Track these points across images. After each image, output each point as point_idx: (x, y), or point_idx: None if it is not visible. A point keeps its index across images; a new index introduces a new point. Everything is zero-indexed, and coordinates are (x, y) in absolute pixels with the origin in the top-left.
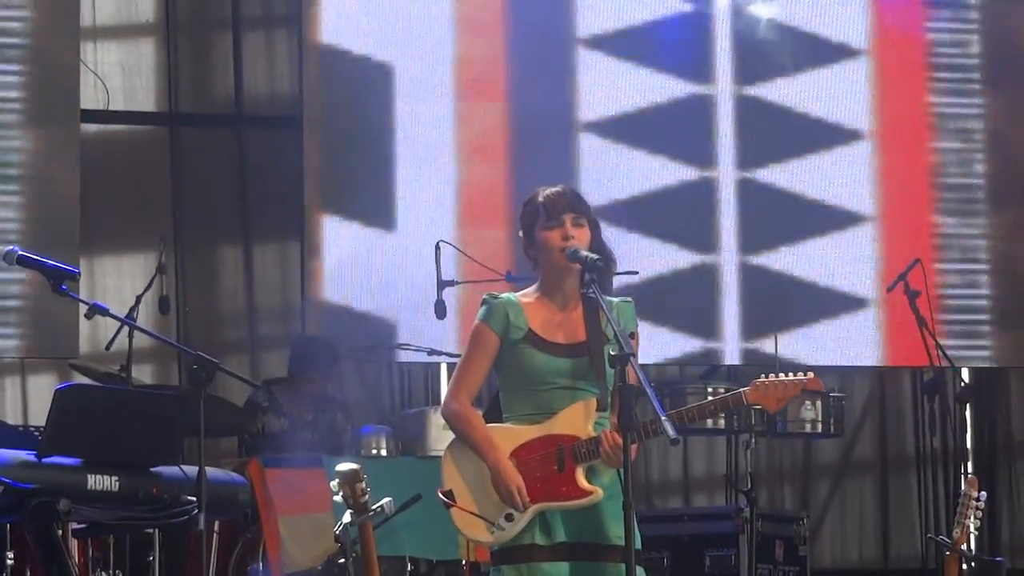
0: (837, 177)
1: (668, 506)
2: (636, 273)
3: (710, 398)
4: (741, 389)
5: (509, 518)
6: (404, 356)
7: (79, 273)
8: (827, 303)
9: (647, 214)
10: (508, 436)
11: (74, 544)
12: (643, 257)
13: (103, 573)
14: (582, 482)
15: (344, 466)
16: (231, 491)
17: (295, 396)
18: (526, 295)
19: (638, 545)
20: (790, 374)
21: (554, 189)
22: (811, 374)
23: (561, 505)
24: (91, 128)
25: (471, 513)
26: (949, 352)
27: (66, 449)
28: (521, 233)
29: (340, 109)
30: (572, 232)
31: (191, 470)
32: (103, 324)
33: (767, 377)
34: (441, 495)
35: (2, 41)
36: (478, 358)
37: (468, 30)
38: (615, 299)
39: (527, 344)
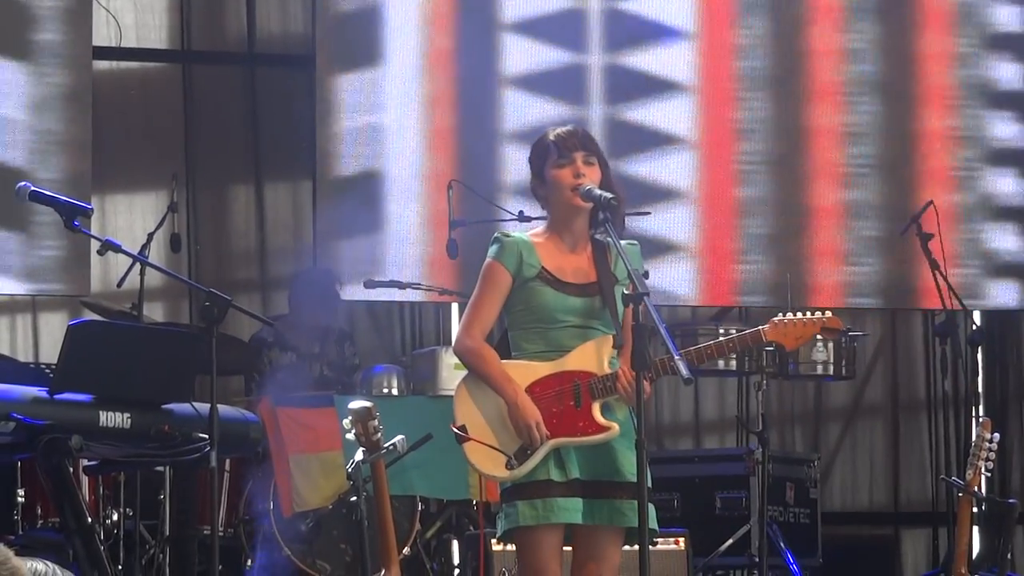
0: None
1: (679, 448)
2: (648, 214)
3: (722, 338)
4: (760, 327)
5: (523, 453)
6: (415, 295)
7: (92, 209)
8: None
9: None
10: (522, 372)
11: (85, 481)
12: None
13: (114, 511)
14: (599, 418)
15: (357, 404)
16: (243, 429)
17: (299, 329)
18: (536, 234)
19: (648, 483)
20: (808, 313)
21: (564, 128)
22: (829, 313)
23: (578, 440)
24: (103, 65)
25: (489, 447)
26: None
27: (78, 386)
28: (531, 173)
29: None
30: (583, 170)
31: (203, 407)
32: (115, 263)
33: (784, 316)
34: (455, 429)
35: None
36: (490, 295)
37: None
38: (622, 241)
39: (540, 282)
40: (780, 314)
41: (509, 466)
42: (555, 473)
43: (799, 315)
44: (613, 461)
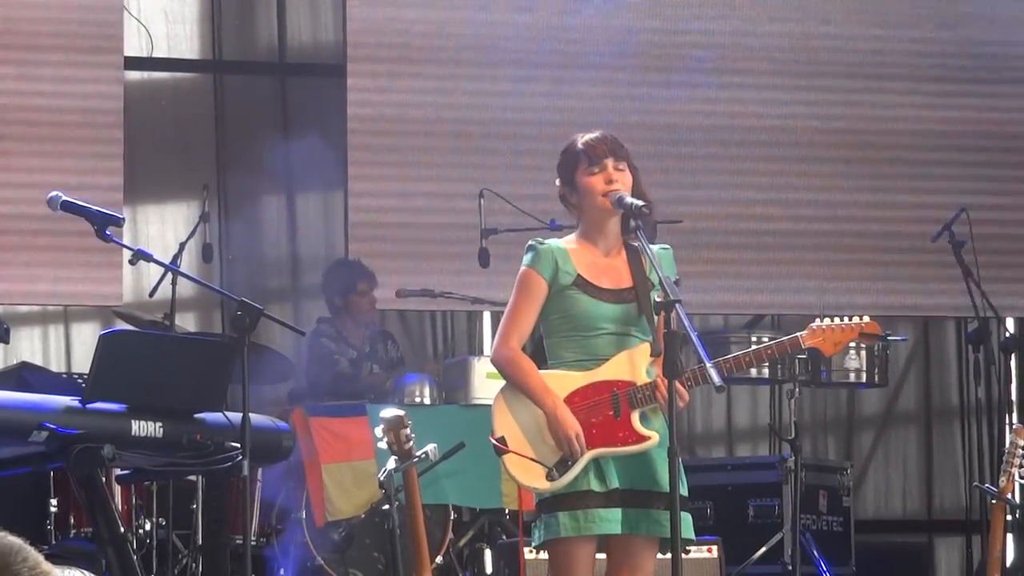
0: None
1: (712, 456)
2: (680, 222)
3: (761, 345)
4: (798, 333)
5: (563, 464)
6: (447, 304)
7: (123, 219)
8: None
9: None
10: (560, 382)
11: (118, 491)
12: None
13: (146, 520)
14: (639, 427)
15: (389, 412)
16: (275, 438)
17: (352, 324)
18: (568, 242)
19: (685, 492)
20: (846, 318)
21: (594, 135)
22: (867, 318)
23: (618, 451)
24: (134, 76)
25: (528, 459)
26: None
27: (110, 395)
28: (558, 181)
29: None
30: (614, 176)
31: (235, 417)
32: (146, 272)
33: (823, 321)
34: (494, 441)
35: None
36: (527, 303)
37: None
38: (655, 246)
39: (576, 290)
40: (818, 320)
41: (550, 477)
42: (595, 484)
43: (837, 320)
44: (651, 470)
